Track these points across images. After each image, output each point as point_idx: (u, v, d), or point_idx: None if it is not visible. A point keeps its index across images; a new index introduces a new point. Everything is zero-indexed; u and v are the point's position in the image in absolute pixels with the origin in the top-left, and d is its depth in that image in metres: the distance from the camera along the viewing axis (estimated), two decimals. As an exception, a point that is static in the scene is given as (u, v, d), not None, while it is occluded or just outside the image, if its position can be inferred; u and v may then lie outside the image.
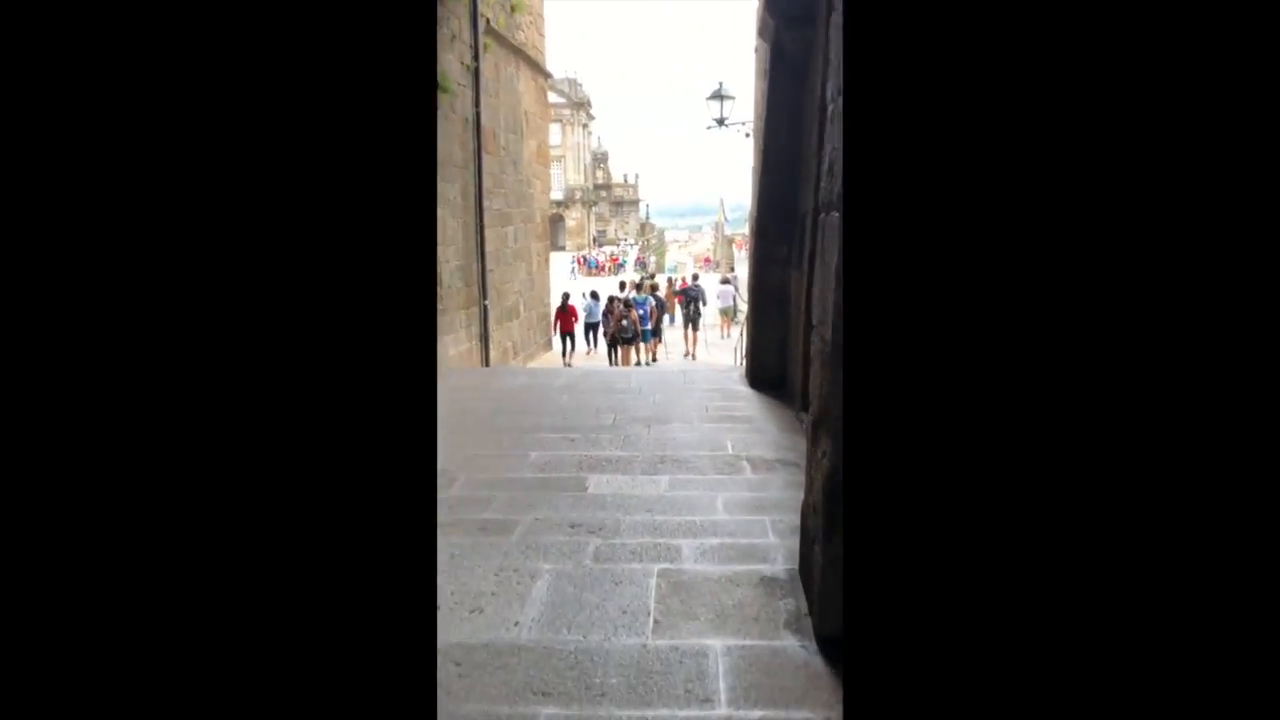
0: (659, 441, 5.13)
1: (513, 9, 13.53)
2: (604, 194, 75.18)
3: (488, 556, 3.39)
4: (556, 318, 15.66)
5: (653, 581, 3.10)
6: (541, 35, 16.01)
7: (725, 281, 21.48)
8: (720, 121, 11.51)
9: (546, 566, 3.28)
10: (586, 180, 69.37)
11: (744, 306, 21.04)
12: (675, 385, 6.92)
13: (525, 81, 14.65)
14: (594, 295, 16.86)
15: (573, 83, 67.64)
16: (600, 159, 75.67)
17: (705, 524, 3.70)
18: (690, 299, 17.90)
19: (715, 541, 3.51)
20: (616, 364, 14.68)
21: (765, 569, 3.18)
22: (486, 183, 12.02)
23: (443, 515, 3.80)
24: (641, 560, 3.33)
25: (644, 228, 77.44)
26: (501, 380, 7.40)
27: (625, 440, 5.16)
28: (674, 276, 26.97)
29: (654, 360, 15.26)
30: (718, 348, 16.67)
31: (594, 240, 68.17)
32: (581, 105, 67.92)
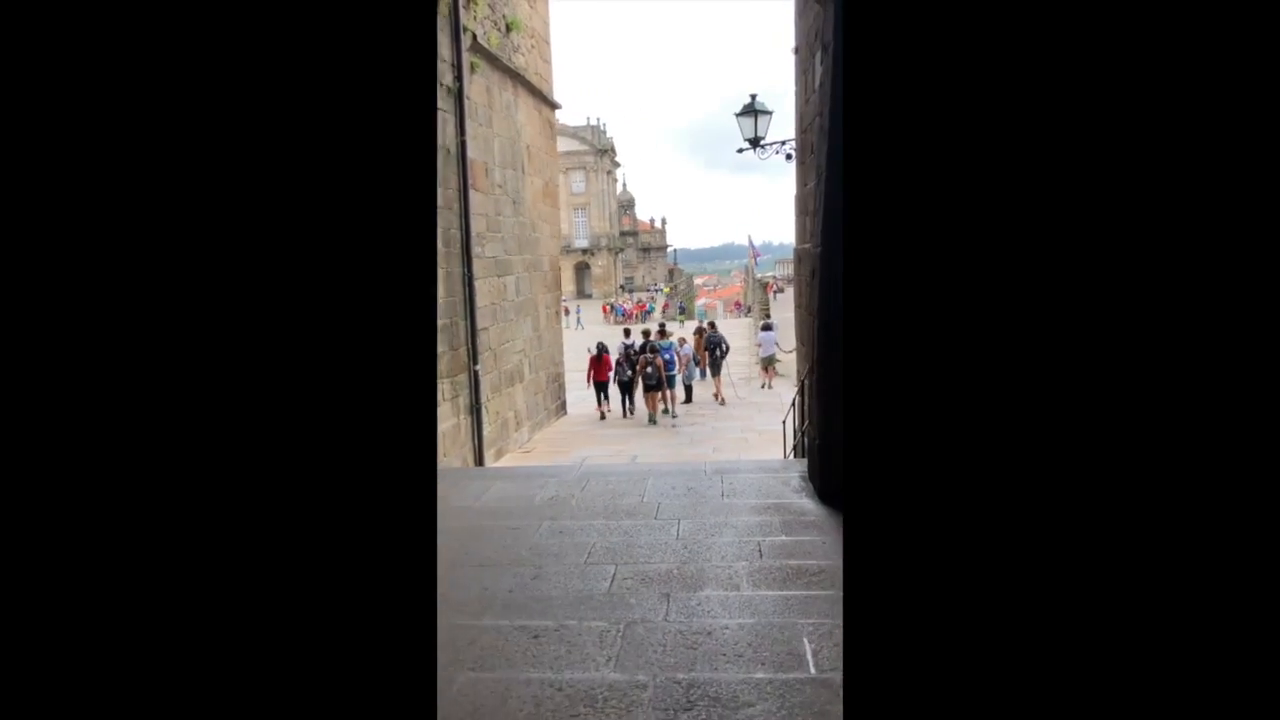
0: (683, 638, 2.97)
1: (508, 27, 11.76)
2: (631, 240, 73.98)
3: None
4: (590, 368, 14.40)
5: None
6: (547, 62, 14.25)
7: (766, 328, 19.36)
8: (755, 142, 9.52)
9: None
10: (612, 227, 68.20)
11: (783, 356, 18.92)
12: (710, 499, 4.75)
13: (527, 111, 12.83)
14: (601, 348, 14.81)
15: (595, 129, 66.93)
16: (626, 205, 74.61)
17: None
18: (711, 345, 16.57)
19: None
20: (630, 414, 13.87)
21: None
22: (476, 225, 10.09)
23: None
24: None
25: (672, 273, 76.12)
26: (462, 494, 5.28)
27: (626, 635, 3.01)
28: (702, 323, 24.83)
29: (672, 411, 13.72)
30: (758, 407, 14.46)
31: (621, 287, 66.71)
32: (605, 151, 67.05)
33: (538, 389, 12.97)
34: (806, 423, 5.70)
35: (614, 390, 14.18)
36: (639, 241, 75.55)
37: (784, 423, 7.92)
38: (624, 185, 75.63)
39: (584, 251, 65.14)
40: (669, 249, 79.77)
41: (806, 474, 5.15)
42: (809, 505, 4.55)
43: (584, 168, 65.82)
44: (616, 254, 68.76)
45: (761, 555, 3.81)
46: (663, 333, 15.44)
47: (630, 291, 64.76)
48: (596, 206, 66.38)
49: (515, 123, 12.18)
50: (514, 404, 11.70)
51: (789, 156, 9.09)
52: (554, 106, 14.59)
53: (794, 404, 7.39)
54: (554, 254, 14.27)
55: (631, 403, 13.94)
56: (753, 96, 9.28)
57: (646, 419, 13.31)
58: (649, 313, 43.05)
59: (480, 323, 10.21)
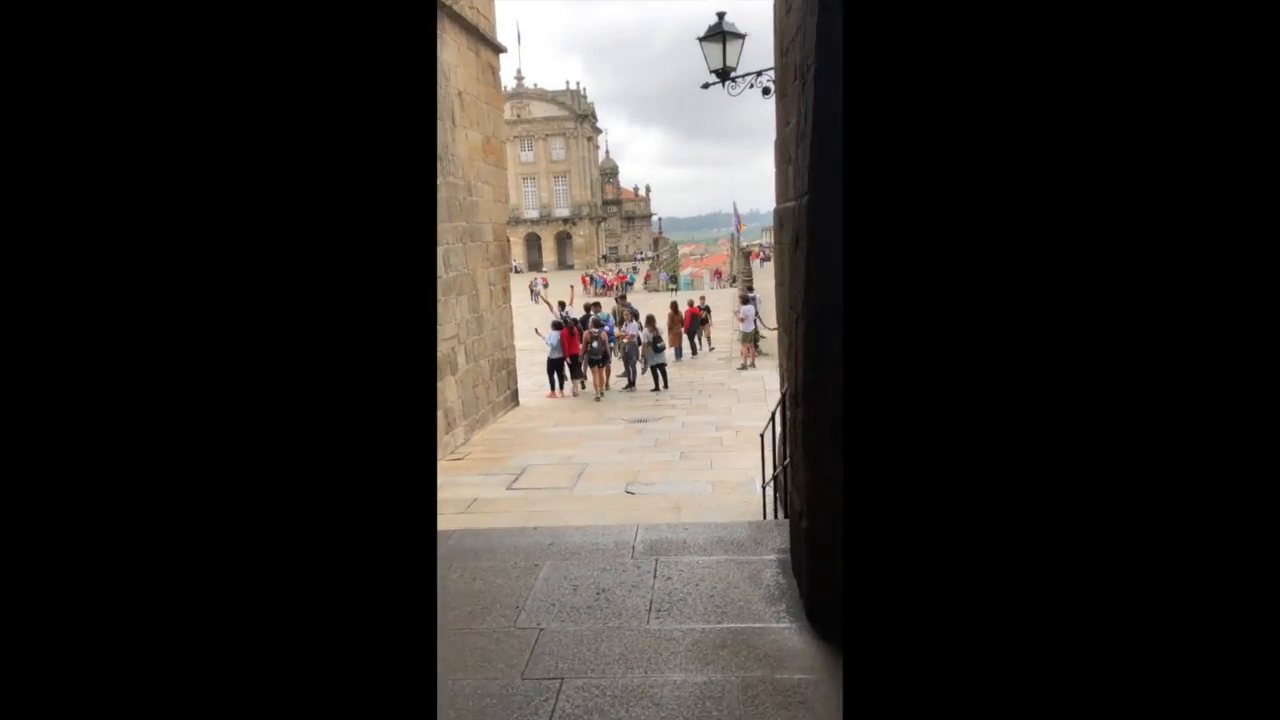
0: None
1: (427, -55, 9.67)
2: (614, 209, 71.73)
3: None
4: (564, 343, 13.44)
5: None
6: (487, -4, 12.15)
7: (745, 300, 17.43)
8: (724, 75, 7.51)
9: None
10: (594, 195, 65.81)
11: (767, 333, 17.05)
12: (628, 619, 2.88)
13: (458, 51, 10.77)
14: (555, 326, 13.61)
15: (575, 94, 64.33)
16: (609, 173, 72.30)
17: None
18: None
19: None
20: (578, 392, 13.44)
21: None
22: (383, 186, 8.10)
23: None
24: None
25: (657, 241, 74.15)
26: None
27: None
28: (676, 296, 22.87)
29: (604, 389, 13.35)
30: (737, 395, 12.59)
31: (604, 257, 64.61)
32: (585, 117, 64.43)
33: (478, 380, 11.04)
34: (787, 461, 3.79)
35: (550, 375, 13.58)
36: (623, 210, 73.22)
37: (762, 435, 6.03)
38: (606, 153, 73.31)
39: (565, 221, 62.83)
40: (654, 217, 77.54)
41: (789, 560, 3.26)
42: (792, 639, 2.66)
43: (564, 134, 63.32)
44: (599, 223, 66.53)
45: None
46: (599, 306, 15.06)
47: (617, 261, 62.69)
48: (577, 174, 63.93)
49: (441, 64, 10.11)
50: (444, 401, 9.79)
51: (766, 90, 7.12)
52: (497, 49, 12.50)
53: (772, 420, 5.50)
54: (499, 221, 12.26)
55: (581, 379, 13.52)
56: (720, 15, 7.25)
57: (594, 396, 13.06)
58: (630, 284, 41.02)
59: (390, 307, 8.26)
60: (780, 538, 3.54)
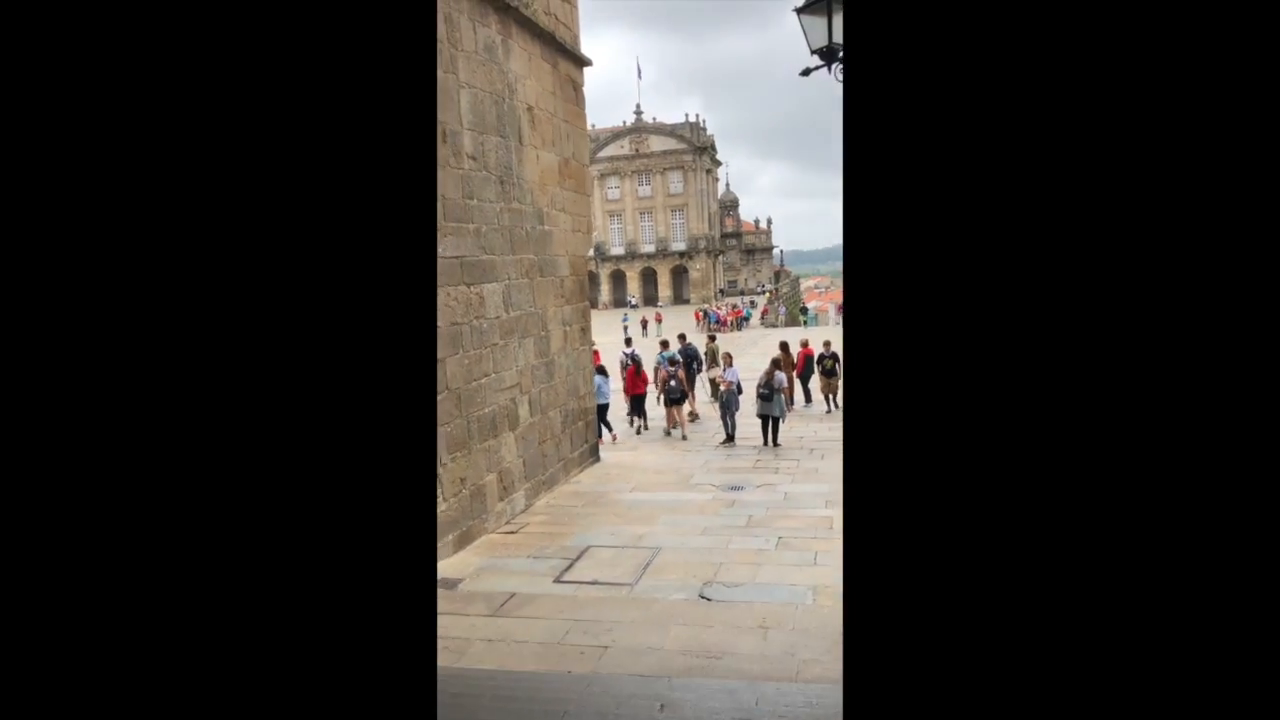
0: None
1: (489, -61, 8.45)
2: (733, 242, 70.12)
3: None
4: (626, 381, 13.27)
5: None
6: (569, 3, 10.90)
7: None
8: (828, 55, 5.80)
9: None
10: (712, 228, 64.35)
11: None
12: None
13: (529, 61, 9.49)
14: (601, 371, 12.15)
15: (694, 126, 63.32)
16: (729, 206, 70.88)
17: None
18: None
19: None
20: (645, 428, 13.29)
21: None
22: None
23: None
24: None
25: (778, 275, 71.86)
26: None
27: None
28: (805, 332, 20.82)
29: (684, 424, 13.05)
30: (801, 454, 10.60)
31: (721, 292, 62.91)
32: (704, 149, 63.18)
33: (545, 435, 9.57)
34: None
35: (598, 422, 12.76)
36: (742, 243, 71.45)
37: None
38: (726, 185, 71.99)
39: (681, 255, 61.63)
40: (775, 250, 75.35)
41: None
42: None
43: (681, 167, 62.42)
44: (716, 256, 64.98)
45: None
46: (666, 344, 14.76)
47: (739, 295, 60.81)
48: (695, 207, 62.67)
49: (506, 74, 8.85)
50: (499, 461, 8.34)
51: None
52: (580, 62, 11.19)
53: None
54: (578, 253, 10.83)
55: (644, 420, 13.31)
56: (823, -20, 5.59)
57: (676, 436, 12.75)
58: (745, 319, 39.15)
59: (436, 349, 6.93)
60: None
